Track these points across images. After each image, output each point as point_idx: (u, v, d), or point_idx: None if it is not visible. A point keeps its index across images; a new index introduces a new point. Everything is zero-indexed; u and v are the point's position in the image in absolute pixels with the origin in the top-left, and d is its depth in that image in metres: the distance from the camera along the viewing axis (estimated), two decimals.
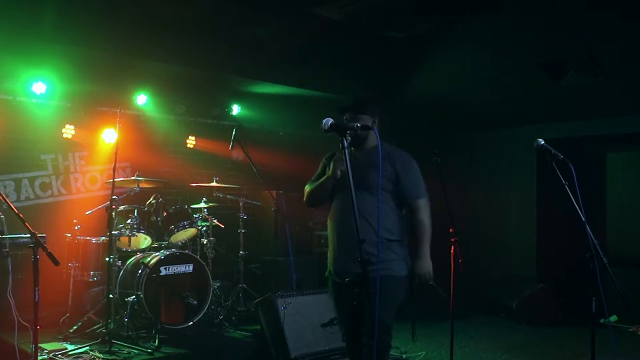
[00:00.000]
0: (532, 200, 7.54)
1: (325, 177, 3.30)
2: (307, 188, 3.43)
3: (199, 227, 5.77)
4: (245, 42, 5.60)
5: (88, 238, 5.22)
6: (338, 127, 2.48)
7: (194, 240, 5.89)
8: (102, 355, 4.46)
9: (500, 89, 6.67)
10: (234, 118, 7.11)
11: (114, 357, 4.47)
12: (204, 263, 5.41)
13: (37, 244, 3.06)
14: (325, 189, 3.32)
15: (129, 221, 5.27)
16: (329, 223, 3.41)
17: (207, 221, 5.85)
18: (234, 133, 5.66)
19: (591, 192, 5.92)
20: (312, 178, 3.47)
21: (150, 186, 5.64)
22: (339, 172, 3.16)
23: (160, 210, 5.53)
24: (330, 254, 3.39)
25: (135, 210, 5.36)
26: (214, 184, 5.93)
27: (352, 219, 2.72)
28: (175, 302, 5.20)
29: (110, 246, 4.86)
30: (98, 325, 4.93)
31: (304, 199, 3.45)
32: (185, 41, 5.30)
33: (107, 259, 4.89)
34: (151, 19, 5.01)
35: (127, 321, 4.91)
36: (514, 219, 7.72)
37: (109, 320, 4.84)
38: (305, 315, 4.81)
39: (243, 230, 6.10)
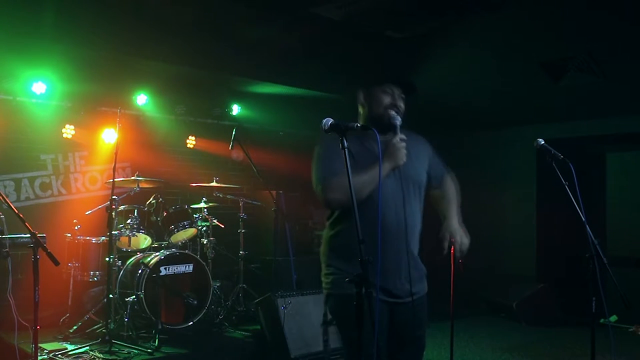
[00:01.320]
0: (532, 200, 7.54)
1: (374, 168, 2.44)
2: (336, 183, 2.47)
3: (199, 227, 5.77)
4: (245, 42, 5.60)
5: (88, 238, 5.22)
6: (338, 127, 2.44)
7: (194, 240, 5.89)
8: (102, 355, 4.46)
9: (500, 89, 6.67)
10: (234, 118, 7.12)
11: (114, 357, 4.47)
12: (204, 263, 5.41)
13: (37, 244, 3.06)
14: (376, 183, 2.44)
15: (129, 221, 5.27)
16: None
17: (207, 221, 5.85)
18: (234, 133, 5.66)
19: (591, 192, 5.94)
20: (328, 170, 2.55)
21: (150, 186, 5.64)
22: (404, 159, 2.54)
23: (160, 210, 5.53)
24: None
25: (135, 210, 5.36)
26: (214, 184, 5.93)
27: (402, 226, 2.50)
28: (175, 302, 5.20)
29: (110, 246, 4.86)
30: (98, 325, 4.93)
31: (332, 196, 2.52)
32: (185, 41, 5.30)
33: (107, 259, 4.89)
34: (151, 19, 5.01)
35: (127, 321, 4.91)
36: (514, 218, 7.72)
37: (109, 320, 4.84)
38: (305, 315, 4.81)
39: (243, 230, 6.10)
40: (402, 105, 2.69)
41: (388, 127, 2.62)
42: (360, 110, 2.79)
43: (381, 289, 2.52)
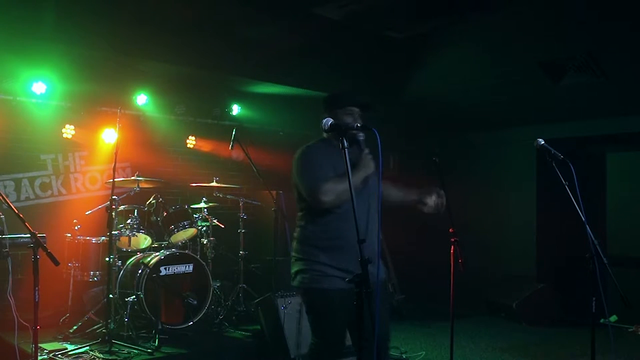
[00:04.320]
0: (532, 200, 7.54)
1: (360, 173, 2.96)
2: (328, 187, 2.90)
3: (199, 227, 5.77)
4: (245, 42, 5.60)
5: (88, 238, 5.22)
6: (338, 127, 2.48)
7: (194, 240, 5.89)
8: (102, 355, 4.46)
9: (500, 89, 6.67)
10: (234, 118, 7.11)
11: (114, 357, 4.47)
12: (204, 263, 5.41)
13: (37, 244, 3.06)
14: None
15: (129, 221, 5.27)
16: (333, 225, 2.98)
17: (207, 221, 5.85)
18: (234, 133, 5.66)
19: (591, 192, 5.94)
20: (318, 177, 2.95)
21: (150, 186, 5.64)
22: (373, 169, 3.02)
23: (160, 210, 5.53)
24: (332, 259, 2.97)
25: (135, 210, 5.36)
26: (214, 184, 5.93)
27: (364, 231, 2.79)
28: (175, 302, 5.20)
29: (110, 246, 4.86)
30: (98, 325, 4.93)
31: (325, 199, 2.91)
32: (185, 41, 5.30)
33: (107, 259, 4.89)
34: (151, 19, 5.01)
35: (127, 321, 4.91)
36: (514, 218, 7.71)
37: (109, 320, 4.84)
38: (305, 315, 4.81)
39: (243, 230, 6.10)
40: (360, 122, 3.06)
41: (352, 143, 2.96)
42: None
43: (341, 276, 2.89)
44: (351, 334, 3.14)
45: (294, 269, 3.13)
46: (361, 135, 3.04)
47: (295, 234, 3.17)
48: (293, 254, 3.16)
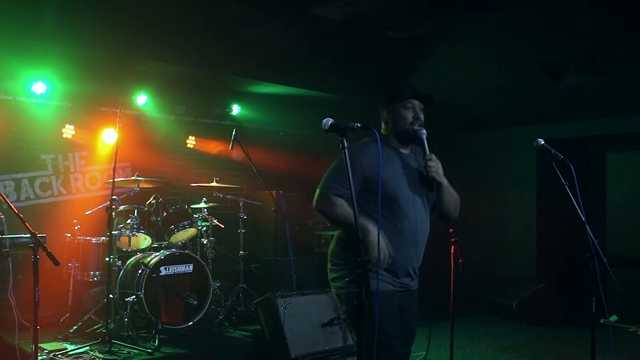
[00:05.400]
0: (532, 200, 7.54)
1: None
2: (334, 202, 2.68)
3: (199, 227, 5.77)
4: (245, 42, 5.59)
5: (88, 238, 5.22)
6: (338, 127, 2.46)
7: (194, 240, 5.89)
8: (102, 355, 4.46)
9: (500, 89, 6.67)
10: (234, 118, 7.12)
11: (114, 357, 4.47)
12: (204, 263, 5.41)
13: (37, 244, 3.06)
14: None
15: (129, 221, 5.27)
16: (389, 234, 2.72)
17: (207, 221, 5.85)
18: (234, 133, 5.66)
19: (591, 192, 5.94)
20: (335, 185, 2.69)
21: (150, 186, 5.64)
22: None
23: (160, 210, 5.53)
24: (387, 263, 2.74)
25: (135, 210, 5.36)
26: (214, 184, 5.93)
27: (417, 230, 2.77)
28: (175, 302, 5.20)
29: (110, 246, 4.86)
30: (98, 325, 4.93)
31: (323, 209, 2.74)
32: (185, 41, 5.30)
33: (107, 259, 4.89)
34: (151, 19, 5.01)
35: (127, 321, 4.91)
36: (514, 219, 7.72)
37: (109, 320, 4.84)
38: (305, 315, 4.81)
39: (243, 230, 6.10)
40: (422, 117, 2.90)
41: (413, 140, 2.86)
42: (383, 125, 2.96)
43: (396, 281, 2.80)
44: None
45: (334, 274, 2.84)
46: (423, 133, 2.81)
47: (340, 235, 2.89)
48: (333, 259, 2.86)
